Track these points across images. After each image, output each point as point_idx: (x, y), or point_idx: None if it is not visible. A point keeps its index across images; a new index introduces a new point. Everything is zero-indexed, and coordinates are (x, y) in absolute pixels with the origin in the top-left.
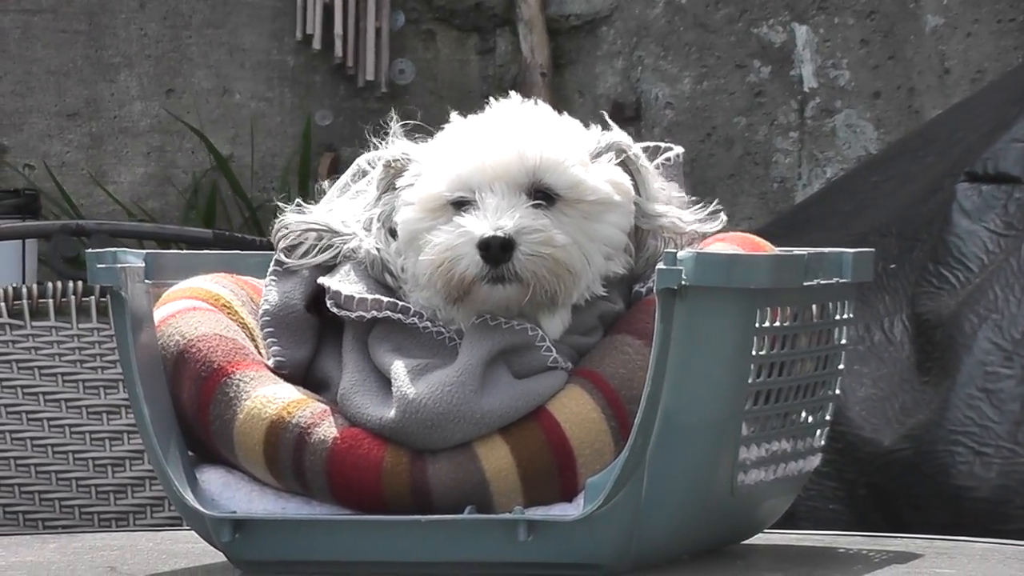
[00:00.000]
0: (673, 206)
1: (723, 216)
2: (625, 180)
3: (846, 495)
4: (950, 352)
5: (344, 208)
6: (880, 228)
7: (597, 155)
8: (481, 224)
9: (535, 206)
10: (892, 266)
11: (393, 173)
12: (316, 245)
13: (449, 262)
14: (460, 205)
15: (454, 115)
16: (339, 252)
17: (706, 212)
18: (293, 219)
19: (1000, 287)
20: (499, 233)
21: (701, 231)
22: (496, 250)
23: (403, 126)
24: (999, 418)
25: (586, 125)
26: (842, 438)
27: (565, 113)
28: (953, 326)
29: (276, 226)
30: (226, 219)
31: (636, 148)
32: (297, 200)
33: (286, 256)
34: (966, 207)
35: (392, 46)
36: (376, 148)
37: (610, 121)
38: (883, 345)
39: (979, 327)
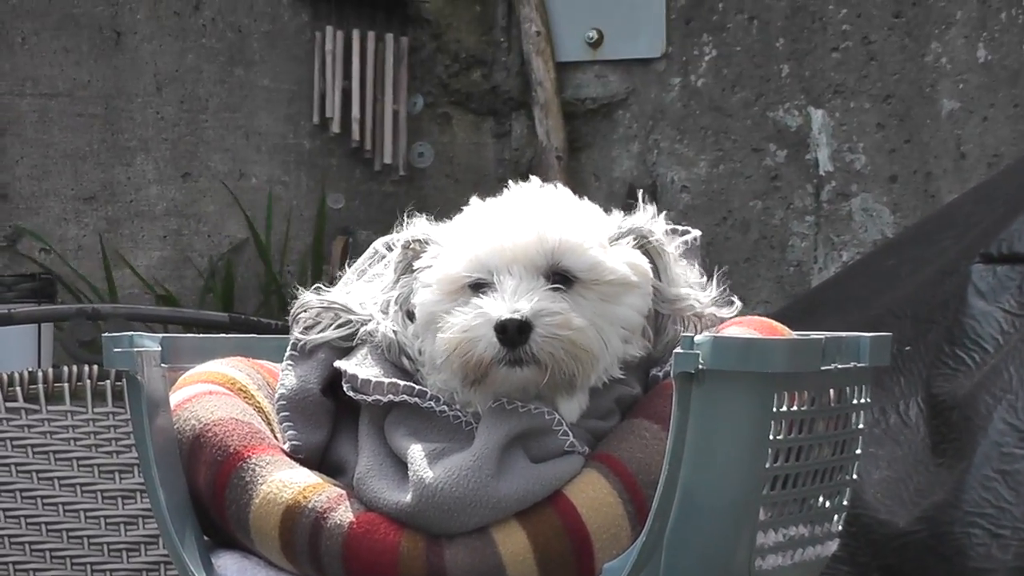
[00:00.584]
0: (693, 289)
1: (737, 301)
2: (643, 262)
3: None
4: (966, 433)
5: (361, 291)
6: (895, 310)
7: (617, 239)
8: (498, 306)
9: (553, 289)
10: (907, 348)
11: (411, 255)
12: (333, 323)
13: (467, 343)
14: (478, 287)
15: (473, 198)
16: (356, 331)
17: (720, 296)
18: (312, 299)
19: (1015, 367)
20: (516, 316)
21: (718, 315)
22: (513, 333)
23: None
24: (1015, 500)
25: (605, 209)
26: (857, 521)
27: (584, 197)
28: (968, 407)
29: (295, 306)
30: (243, 303)
31: (659, 233)
32: (318, 285)
33: (304, 335)
34: (981, 288)
35: (408, 129)
36: (396, 231)
37: (638, 202)
38: (898, 427)
39: (994, 408)
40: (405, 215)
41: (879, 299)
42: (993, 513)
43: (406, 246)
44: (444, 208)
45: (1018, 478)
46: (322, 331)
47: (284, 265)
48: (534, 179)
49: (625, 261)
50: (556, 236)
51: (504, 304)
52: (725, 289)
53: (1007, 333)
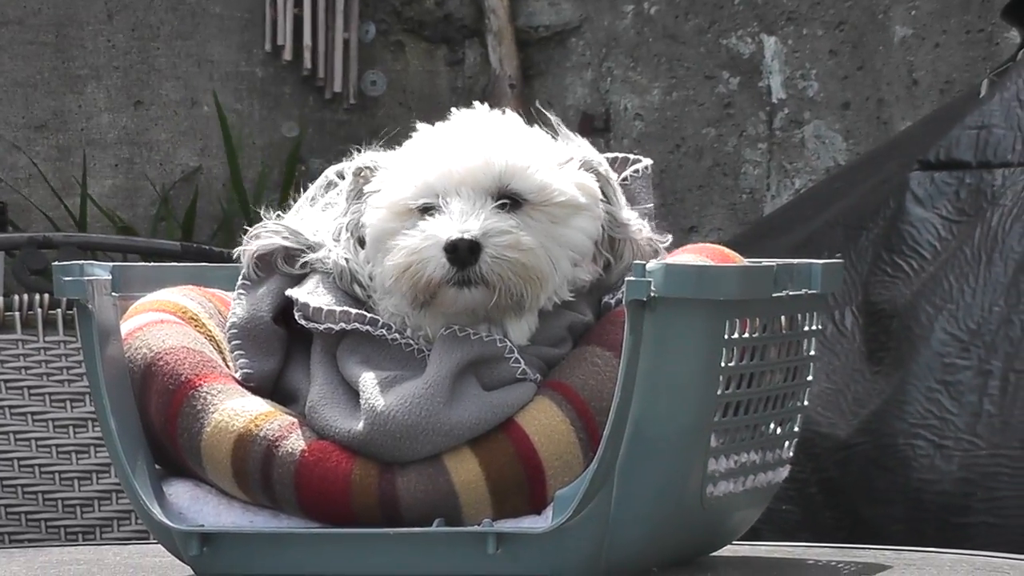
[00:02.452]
0: (638, 217)
1: (668, 235)
2: (592, 184)
3: (797, 495)
4: (905, 343)
5: (313, 219)
6: (829, 221)
7: (565, 163)
8: (447, 227)
9: (500, 207)
10: (838, 255)
11: (362, 181)
12: (285, 251)
13: (416, 265)
14: (426, 211)
15: (420, 124)
16: (308, 261)
17: (655, 228)
18: (264, 227)
19: (955, 276)
20: (465, 236)
21: (657, 245)
22: (463, 252)
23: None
24: (958, 410)
25: (555, 137)
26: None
27: (535, 125)
28: (909, 317)
29: (247, 234)
30: (195, 232)
31: (605, 164)
32: (260, 209)
33: (257, 264)
34: (919, 195)
35: (361, 57)
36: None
37: (572, 134)
38: (835, 338)
39: (935, 318)
40: (361, 146)
41: (819, 217)
42: (936, 424)
43: (357, 173)
44: (397, 137)
45: (960, 388)
46: (274, 259)
47: (236, 194)
48: (481, 104)
49: (574, 183)
50: (503, 159)
51: (453, 224)
52: (666, 218)
53: (944, 240)
